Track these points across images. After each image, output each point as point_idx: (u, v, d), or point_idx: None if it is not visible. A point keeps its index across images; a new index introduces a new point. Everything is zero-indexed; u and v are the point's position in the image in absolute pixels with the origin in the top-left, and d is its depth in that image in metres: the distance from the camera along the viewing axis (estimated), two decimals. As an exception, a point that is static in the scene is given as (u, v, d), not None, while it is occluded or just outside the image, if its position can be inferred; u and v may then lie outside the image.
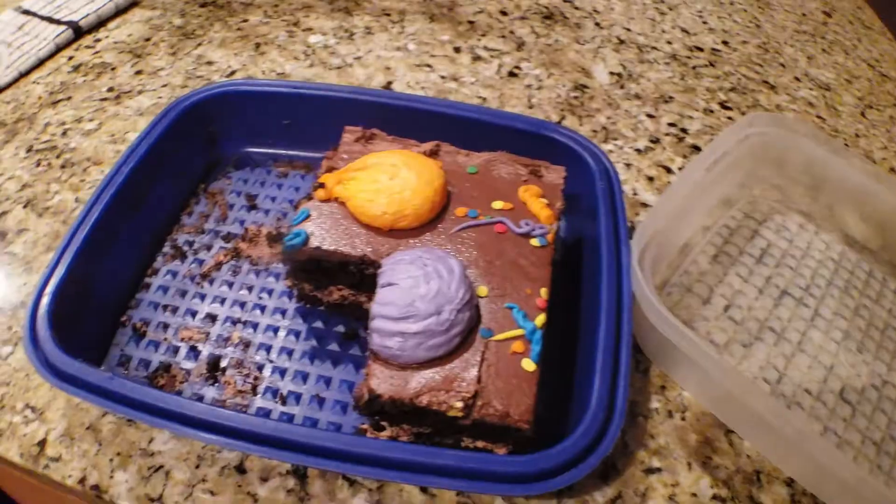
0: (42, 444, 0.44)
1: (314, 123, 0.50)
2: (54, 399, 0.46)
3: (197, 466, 0.41)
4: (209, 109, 0.51)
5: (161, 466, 0.42)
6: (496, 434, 0.37)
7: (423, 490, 0.39)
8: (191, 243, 0.49)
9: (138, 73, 0.60)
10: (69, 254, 0.43)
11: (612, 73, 0.56)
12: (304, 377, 0.43)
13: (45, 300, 0.41)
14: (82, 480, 0.42)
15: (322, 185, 0.43)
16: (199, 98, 0.50)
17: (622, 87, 0.55)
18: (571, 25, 0.59)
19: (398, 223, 0.41)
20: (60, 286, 0.42)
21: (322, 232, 0.41)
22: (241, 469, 0.41)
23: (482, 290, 0.40)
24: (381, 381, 0.37)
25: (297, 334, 0.45)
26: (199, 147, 0.52)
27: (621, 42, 0.58)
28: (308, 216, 0.42)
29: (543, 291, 0.40)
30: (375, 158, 0.43)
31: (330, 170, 0.44)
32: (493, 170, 0.45)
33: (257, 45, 0.60)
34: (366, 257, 0.41)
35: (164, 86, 0.58)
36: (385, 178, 0.41)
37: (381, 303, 0.38)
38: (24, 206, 0.55)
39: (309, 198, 0.44)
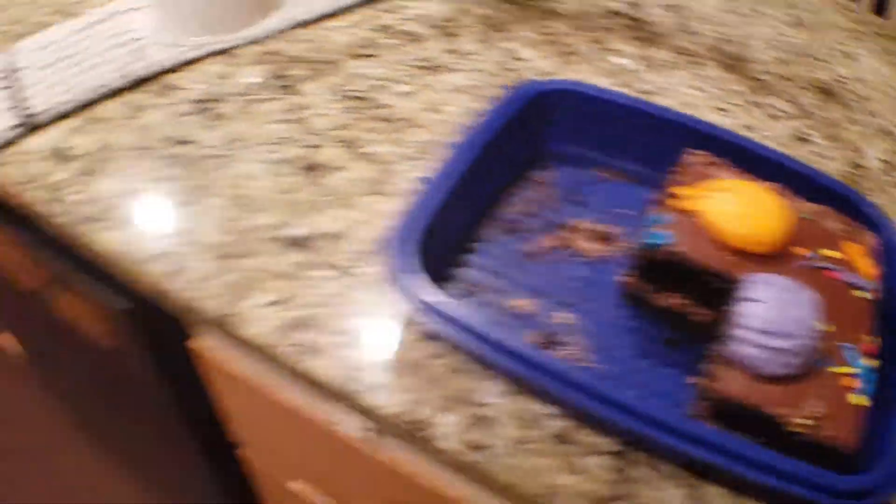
0: (358, 369, 0.47)
1: (645, 140, 0.55)
2: (376, 329, 0.49)
3: (526, 427, 0.44)
4: (550, 102, 0.55)
5: (489, 417, 0.45)
6: (815, 454, 0.42)
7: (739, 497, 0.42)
8: (518, 222, 0.54)
9: (450, 51, 0.65)
10: (427, 204, 0.48)
11: (880, 160, 0.61)
12: (626, 372, 0.47)
13: (409, 235, 0.46)
14: (400, 413, 0.45)
15: (673, 196, 0.48)
16: (546, 89, 0.55)
17: (889, 174, 0.60)
18: (845, 105, 0.63)
19: (752, 247, 0.46)
20: (421, 230, 0.47)
21: (682, 238, 0.46)
22: (568, 440, 0.44)
23: (822, 325, 0.44)
24: (731, 384, 0.42)
25: (622, 329, 0.49)
26: (531, 135, 0.56)
27: (887, 133, 0.62)
28: (663, 222, 0.47)
29: (873, 339, 0.44)
30: (733, 184, 0.48)
31: (679, 184, 0.49)
32: (821, 220, 0.49)
33: (564, 54, 0.64)
34: (723, 272, 0.45)
35: (479, 70, 0.63)
36: (748, 202, 0.46)
37: (746, 314, 0.42)
38: (340, 146, 0.59)
39: (660, 205, 0.48)
